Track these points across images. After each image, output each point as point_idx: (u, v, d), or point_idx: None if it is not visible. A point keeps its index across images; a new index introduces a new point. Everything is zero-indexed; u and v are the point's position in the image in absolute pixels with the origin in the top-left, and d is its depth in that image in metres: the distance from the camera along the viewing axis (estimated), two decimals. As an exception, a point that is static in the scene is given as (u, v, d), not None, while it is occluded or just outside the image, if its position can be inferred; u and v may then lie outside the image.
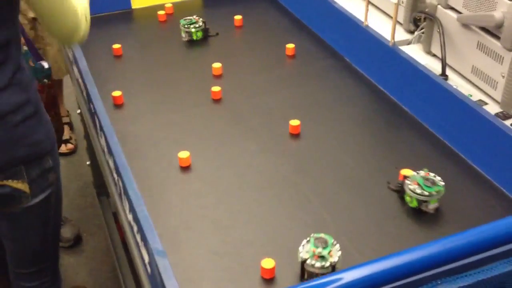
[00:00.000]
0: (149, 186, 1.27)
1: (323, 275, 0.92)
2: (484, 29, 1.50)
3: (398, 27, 1.77)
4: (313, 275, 1.01)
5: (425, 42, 1.71)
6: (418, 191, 1.16)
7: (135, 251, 1.13)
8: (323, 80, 1.64)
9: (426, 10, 1.68)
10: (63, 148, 2.77)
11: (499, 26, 1.42)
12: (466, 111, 1.29)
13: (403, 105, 1.50)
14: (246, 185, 1.27)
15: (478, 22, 1.50)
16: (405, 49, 1.65)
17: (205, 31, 1.84)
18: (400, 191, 1.21)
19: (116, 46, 1.77)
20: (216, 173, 1.31)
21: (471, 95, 1.49)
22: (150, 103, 1.56)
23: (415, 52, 1.71)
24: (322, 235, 1.04)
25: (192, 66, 1.73)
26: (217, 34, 1.86)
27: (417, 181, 1.18)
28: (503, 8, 1.41)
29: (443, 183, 1.18)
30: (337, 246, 1.03)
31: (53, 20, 1.31)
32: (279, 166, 1.32)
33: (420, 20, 1.78)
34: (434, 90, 1.37)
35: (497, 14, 1.42)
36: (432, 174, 1.20)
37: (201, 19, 1.84)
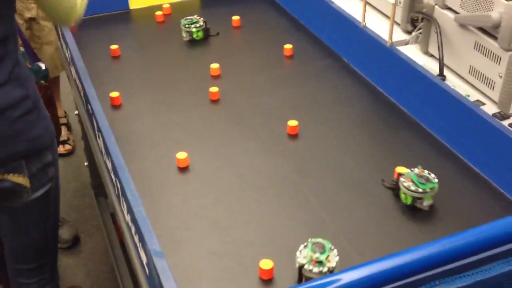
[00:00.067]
0: (148, 187, 1.27)
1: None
2: (481, 29, 1.51)
3: (395, 27, 1.77)
4: (310, 281, 1.01)
5: (423, 43, 1.72)
6: (413, 188, 1.17)
7: (133, 252, 1.13)
8: (321, 80, 1.64)
9: (424, 10, 1.69)
10: (61, 149, 2.76)
11: (496, 26, 1.42)
12: (464, 111, 1.29)
13: (401, 105, 1.50)
14: (245, 185, 1.27)
15: (475, 22, 1.51)
16: (403, 49, 1.65)
17: (206, 31, 1.84)
18: (395, 189, 1.22)
19: (114, 46, 1.77)
20: (215, 173, 1.31)
21: (468, 96, 1.49)
22: (148, 104, 1.56)
23: (412, 52, 1.71)
24: (319, 240, 1.04)
25: (190, 66, 1.73)
26: (218, 33, 1.87)
27: (411, 178, 1.18)
28: (500, 8, 1.41)
29: (437, 180, 1.18)
30: (335, 251, 1.03)
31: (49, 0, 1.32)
32: (278, 166, 1.32)
33: (418, 20, 1.77)
34: (431, 90, 1.37)
35: (494, 14, 1.42)
36: (426, 171, 1.20)
37: (201, 19, 1.84)
